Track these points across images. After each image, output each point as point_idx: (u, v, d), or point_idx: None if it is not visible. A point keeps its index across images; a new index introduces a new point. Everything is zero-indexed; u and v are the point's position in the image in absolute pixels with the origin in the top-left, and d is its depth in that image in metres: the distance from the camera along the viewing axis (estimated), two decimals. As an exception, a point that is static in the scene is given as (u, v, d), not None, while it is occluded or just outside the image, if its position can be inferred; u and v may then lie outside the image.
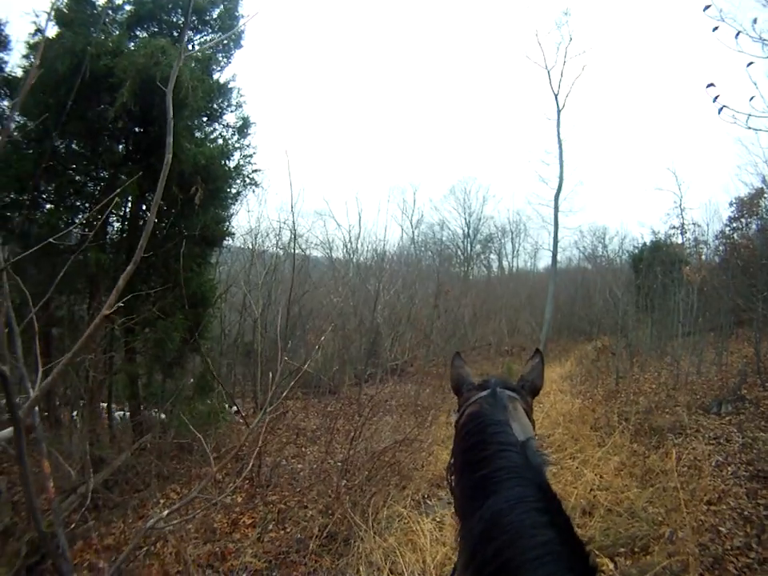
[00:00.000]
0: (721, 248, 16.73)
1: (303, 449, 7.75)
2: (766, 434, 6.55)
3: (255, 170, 7.01)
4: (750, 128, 3.32)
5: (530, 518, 0.81)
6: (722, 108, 3.29)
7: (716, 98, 3.26)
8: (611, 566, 4.02)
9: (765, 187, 10.84)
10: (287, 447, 7.31)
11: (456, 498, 1.21)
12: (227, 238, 7.05)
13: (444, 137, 74.90)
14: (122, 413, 5.79)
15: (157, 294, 4.98)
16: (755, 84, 3.43)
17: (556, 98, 21.20)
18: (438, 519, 4.99)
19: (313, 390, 11.58)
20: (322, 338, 5.72)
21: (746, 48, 3.37)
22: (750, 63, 3.25)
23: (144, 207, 5.65)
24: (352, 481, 5.48)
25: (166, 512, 2.76)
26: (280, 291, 9.17)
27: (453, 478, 1.26)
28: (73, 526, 3.11)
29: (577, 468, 6.07)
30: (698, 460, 5.97)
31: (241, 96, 6.79)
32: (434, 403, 10.55)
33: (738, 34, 3.33)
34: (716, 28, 3.37)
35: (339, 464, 6.05)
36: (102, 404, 5.33)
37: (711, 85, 3.25)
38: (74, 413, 4.75)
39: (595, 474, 5.88)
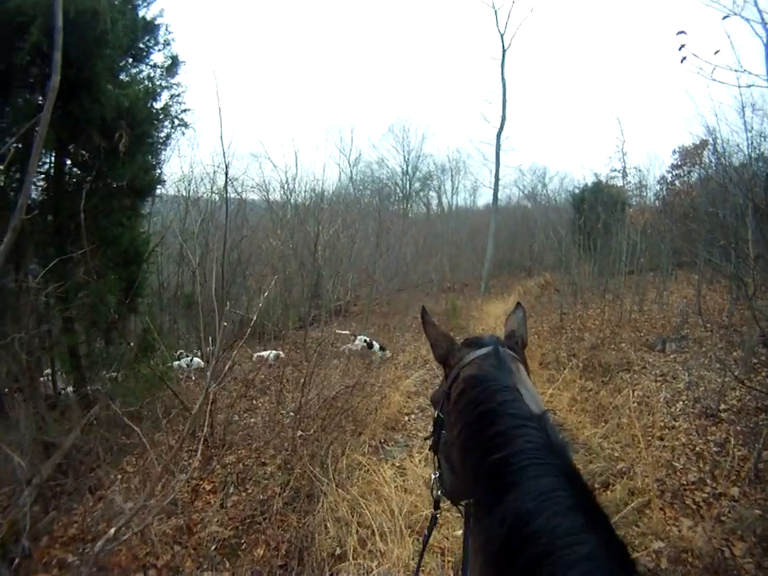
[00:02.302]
0: (662, 193, 17.20)
1: (254, 401, 7.60)
2: (710, 373, 6.74)
3: (185, 110, 6.42)
4: (714, 80, 3.29)
5: (565, 522, 0.67)
6: (684, 58, 3.23)
7: (682, 46, 3.18)
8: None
9: (710, 139, 11.28)
10: (238, 402, 7.09)
11: (459, 479, 1.02)
12: (159, 187, 6.52)
13: (383, 74, 73.47)
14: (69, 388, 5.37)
15: (87, 254, 4.54)
16: (729, 36, 3.41)
17: (502, 37, 20.92)
18: (397, 465, 5.01)
19: (257, 337, 11.38)
20: (265, 287, 5.43)
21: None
22: (726, 16, 3.20)
23: (69, 162, 5.04)
24: (307, 431, 5.33)
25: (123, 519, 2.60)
26: (217, 238, 8.66)
27: (449, 454, 1.07)
28: (33, 521, 2.89)
29: (529, 405, 6.14)
30: (647, 396, 6.16)
31: (169, 33, 6.10)
32: (381, 343, 10.57)
33: None
34: None
35: (292, 414, 5.89)
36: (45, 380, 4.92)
37: (682, 32, 3.15)
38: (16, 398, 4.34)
39: (549, 411, 5.98)
